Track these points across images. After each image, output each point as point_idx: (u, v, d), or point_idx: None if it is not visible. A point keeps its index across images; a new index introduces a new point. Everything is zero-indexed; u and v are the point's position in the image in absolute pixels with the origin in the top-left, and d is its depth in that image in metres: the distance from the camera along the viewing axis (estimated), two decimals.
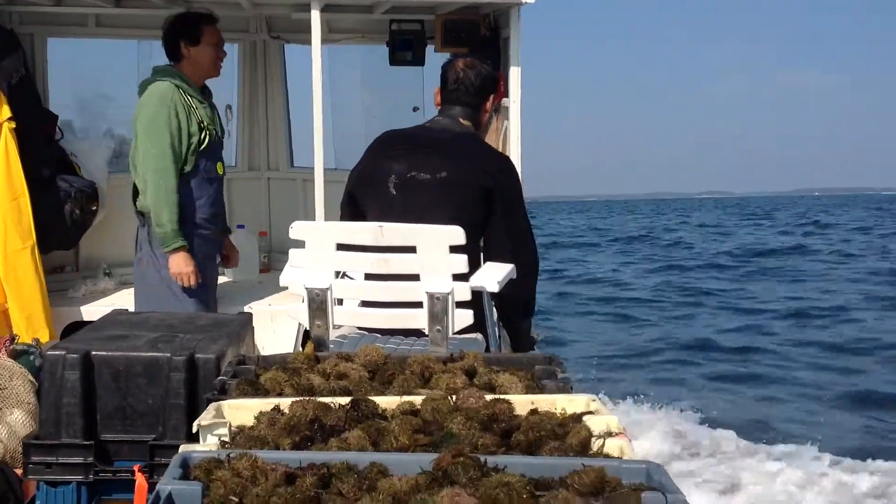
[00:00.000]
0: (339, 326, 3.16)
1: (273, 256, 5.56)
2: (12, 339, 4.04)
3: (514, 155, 4.13)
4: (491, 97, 3.54)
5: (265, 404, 2.07)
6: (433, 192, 3.27)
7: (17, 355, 3.90)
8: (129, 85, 5.42)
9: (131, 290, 4.42)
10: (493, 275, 3.00)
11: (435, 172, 3.30)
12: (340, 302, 3.08)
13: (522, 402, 1.98)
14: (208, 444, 1.95)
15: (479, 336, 3.21)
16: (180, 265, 4.11)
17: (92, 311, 4.41)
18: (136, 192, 4.23)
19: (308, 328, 2.97)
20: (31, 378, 3.75)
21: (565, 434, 1.76)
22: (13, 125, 4.35)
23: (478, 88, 3.47)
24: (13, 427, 3.51)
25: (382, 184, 3.35)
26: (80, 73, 5.73)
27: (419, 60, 5.08)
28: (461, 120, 3.45)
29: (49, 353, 2.67)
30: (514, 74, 4.26)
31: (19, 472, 3.37)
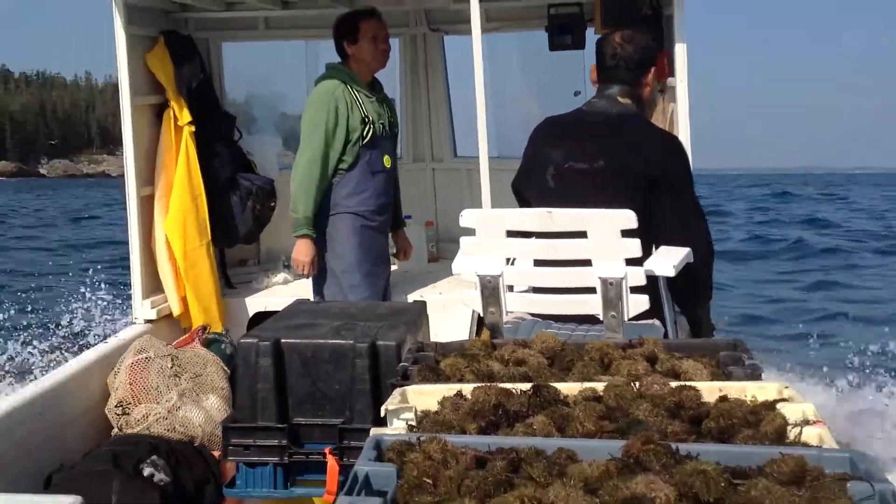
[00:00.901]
0: (512, 312, 3.19)
1: (440, 246, 5.65)
2: (204, 328, 4.30)
3: (683, 137, 4.01)
4: (652, 70, 3.41)
5: (448, 390, 2.11)
6: (591, 182, 3.19)
7: (209, 344, 4.16)
8: (298, 84, 5.67)
9: (309, 282, 4.61)
10: (669, 259, 2.95)
11: (592, 161, 3.21)
12: (512, 288, 3.10)
13: (709, 389, 1.95)
14: (396, 428, 2.01)
15: (655, 322, 3.16)
16: (301, 252, 4.31)
17: (274, 302, 4.63)
18: None
19: (482, 315, 3.02)
20: (223, 365, 3.99)
21: (758, 422, 1.72)
22: (192, 129, 4.63)
23: (637, 63, 3.34)
24: (209, 412, 3.75)
25: (541, 175, 3.31)
26: (253, 74, 6.01)
27: (579, 44, 5.02)
28: (619, 99, 3.33)
29: (242, 341, 2.82)
30: (680, 53, 4.15)
31: (216, 453, 3.60)
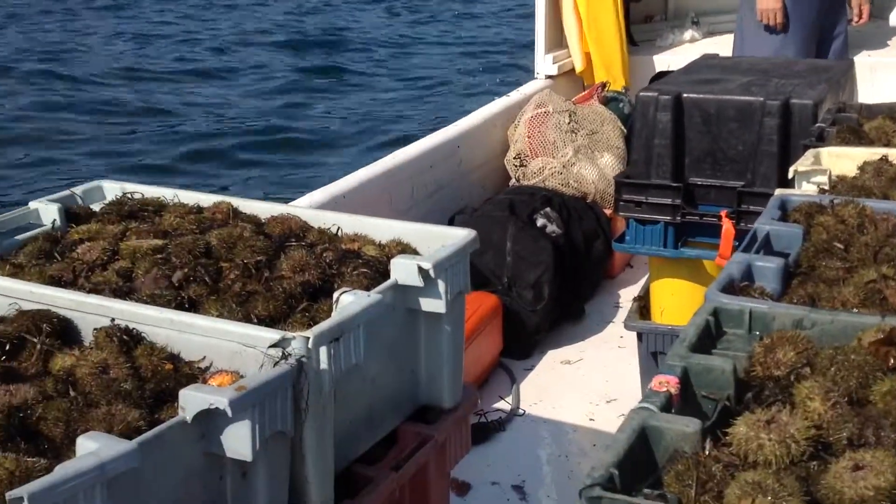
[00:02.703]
0: None
1: (878, 2, 4.89)
2: (603, 86, 4.20)
3: None
4: None
5: (870, 154, 1.87)
6: None
7: (607, 101, 4.07)
8: None
9: (717, 40, 4.26)
10: None
11: None
12: None
13: None
14: (805, 190, 1.81)
15: None
16: (768, 1, 3.81)
17: (680, 61, 4.35)
18: None
19: None
20: (621, 125, 3.89)
21: None
22: None
23: None
24: (603, 170, 3.71)
25: None
26: None
27: None
28: None
29: (642, 94, 2.67)
30: None
31: (607, 211, 3.58)
